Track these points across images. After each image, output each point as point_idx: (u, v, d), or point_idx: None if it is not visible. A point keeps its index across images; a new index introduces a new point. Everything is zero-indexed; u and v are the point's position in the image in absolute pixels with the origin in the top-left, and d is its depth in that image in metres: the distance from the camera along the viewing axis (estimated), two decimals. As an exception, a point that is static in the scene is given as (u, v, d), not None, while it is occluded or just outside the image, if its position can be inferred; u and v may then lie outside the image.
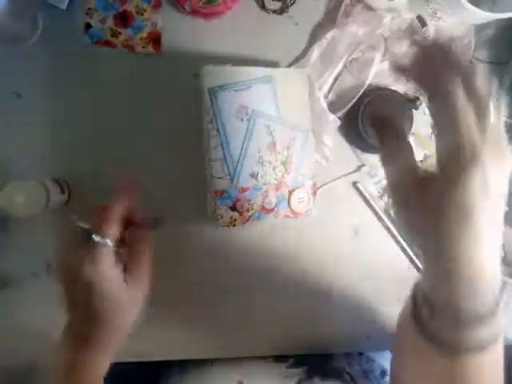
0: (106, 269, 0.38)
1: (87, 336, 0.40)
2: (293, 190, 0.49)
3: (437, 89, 0.28)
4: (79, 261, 0.38)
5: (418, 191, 0.30)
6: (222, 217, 0.47)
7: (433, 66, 0.29)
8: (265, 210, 0.48)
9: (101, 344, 0.41)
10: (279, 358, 0.58)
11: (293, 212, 0.49)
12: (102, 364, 0.42)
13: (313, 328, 0.58)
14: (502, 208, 0.29)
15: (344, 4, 0.55)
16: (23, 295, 0.55)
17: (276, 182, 0.49)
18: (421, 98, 0.56)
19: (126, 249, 0.41)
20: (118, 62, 0.55)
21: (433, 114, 0.30)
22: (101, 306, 0.39)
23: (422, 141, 0.58)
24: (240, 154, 0.47)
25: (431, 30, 0.54)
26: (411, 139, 0.57)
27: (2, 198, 0.46)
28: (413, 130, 0.55)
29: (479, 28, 0.56)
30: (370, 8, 0.54)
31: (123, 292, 0.40)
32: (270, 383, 0.51)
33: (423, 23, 0.54)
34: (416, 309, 0.35)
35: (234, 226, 0.47)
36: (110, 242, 0.38)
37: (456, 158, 0.27)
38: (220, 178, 0.47)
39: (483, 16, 0.50)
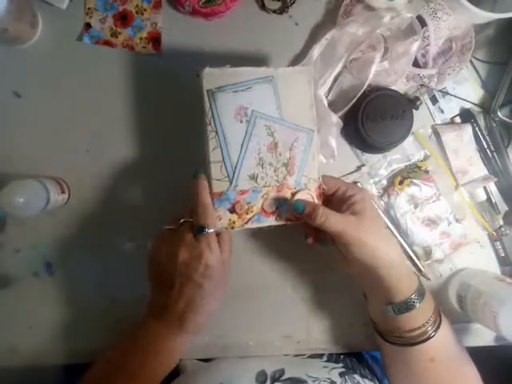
0: (218, 253, 0.45)
1: (185, 320, 0.44)
2: (296, 193, 0.48)
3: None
4: (198, 250, 0.43)
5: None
6: (220, 219, 0.46)
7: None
8: (265, 213, 0.47)
9: (192, 328, 0.45)
10: (313, 355, 0.58)
11: (295, 215, 0.48)
12: (187, 346, 0.47)
13: (312, 328, 0.58)
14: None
15: (344, 4, 0.55)
16: (23, 295, 0.55)
17: (277, 184, 0.48)
18: (420, 98, 0.57)
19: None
20: (117, 61, 0.55)
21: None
22: (210, 286, 0.44)
23: (422, 140, 0.58)
24: (239, 156, 0.46)
25: (431, 30, 0.54)
26: (411, 139, 0.57)
27: (3, 198, 0.46)
28: (413, 129, 0.55)
29: (479, 28, 0.56)
30: (370, 8, 0.54)
31: (223, 271, 0.45)
32: (311, 370, 0.51)
33: (423, 23, 0.54)
34: (378, 328, 0.51)
35: (233, 228, 0.47)
36: (214, 231, 0.45)
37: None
38: (218, 180, 0.46)
39: (483, 16, 0.50)
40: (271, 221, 0.48)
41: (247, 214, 0.47)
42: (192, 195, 0.46)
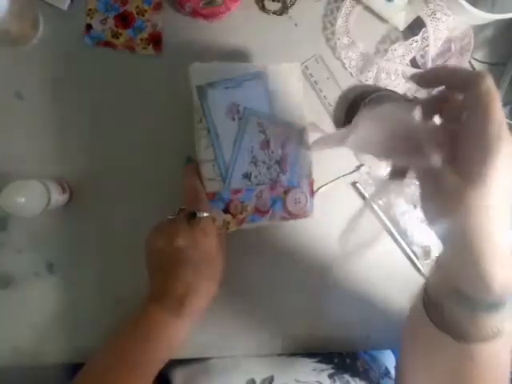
0: (214, 236, 0.44)
1: (185, 302, 0.44)
2: (288, 191, 0.47)
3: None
4: (193, 236, 0.43)
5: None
6: (214, 220, 0.45)
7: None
8: (259, 212, 0.46)
9: (193, 311, 0.45)
10: (306, 354, 0.58)
11: (289, 213, 0.47)
12: (187, 331, 0.46)
13: (313, 328, 0.58)
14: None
15: (344, 5, 0.55)
16: (24, 295, 0.55)
17: (271, 182, 0.47)
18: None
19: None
20: (118, 62, 0.55)
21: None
22: (208, 269, 0.44)
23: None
24: (232, 154, 0.45)
25: (430, 31, 0.54)
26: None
27: (3, 198, 0.46)
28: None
29: (478, 28, 0.56)
30: (369, 9, 0.55)
31: (221, 253, 0.45)
32: (300, 375, 0.51)
33: (422, 24, 0.54)
34: (429, 300, 0.37)
35: (228, 229, 0.45)
36: (209, 216, 0.44)
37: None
38: (211, 179, 0.45)
39: (482, 17, 0.50)
40: (265, 220, 0.47)
41: (241, 213, 0.46)
42: (183, 182, 0.45)
